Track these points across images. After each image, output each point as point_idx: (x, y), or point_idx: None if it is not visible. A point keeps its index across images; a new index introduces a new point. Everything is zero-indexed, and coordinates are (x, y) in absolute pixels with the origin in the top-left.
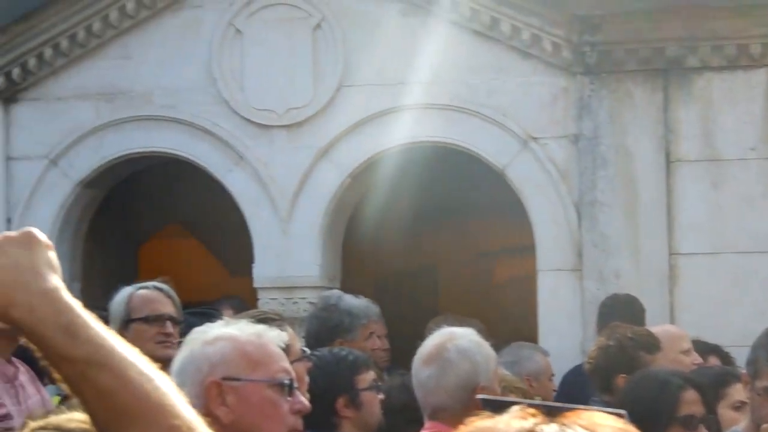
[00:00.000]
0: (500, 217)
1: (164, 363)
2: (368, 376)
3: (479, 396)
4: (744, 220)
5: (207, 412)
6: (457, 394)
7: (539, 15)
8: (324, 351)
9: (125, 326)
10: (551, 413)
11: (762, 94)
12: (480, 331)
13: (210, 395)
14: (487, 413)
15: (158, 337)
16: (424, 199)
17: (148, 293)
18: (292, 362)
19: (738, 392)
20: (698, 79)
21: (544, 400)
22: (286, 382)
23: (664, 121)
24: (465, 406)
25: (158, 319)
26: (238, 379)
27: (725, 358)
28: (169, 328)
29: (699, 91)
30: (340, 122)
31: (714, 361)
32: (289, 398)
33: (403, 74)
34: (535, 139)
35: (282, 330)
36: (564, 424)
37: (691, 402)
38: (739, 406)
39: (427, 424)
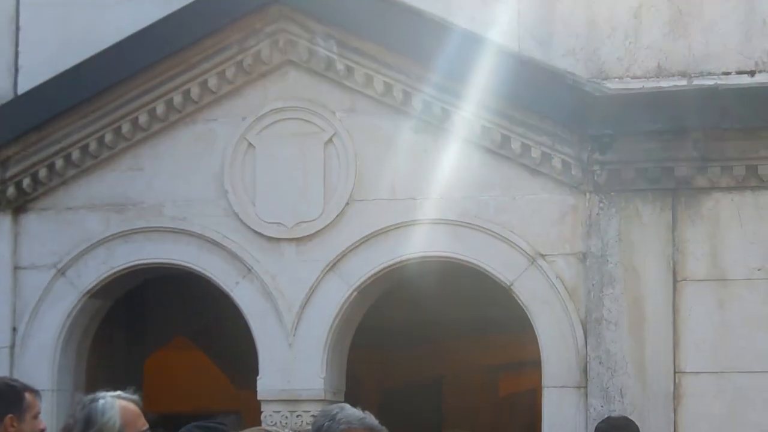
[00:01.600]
0: (506, 332)
1: None
2: None
3: None
4: (750, 340)
5: None
6: None
7: (550, 133)
8: None
9: None
10: None
11: None
12: None
13: None
14: None
15: None
16: (430, 313)
17: (134, 408)
18: None
19: None
20: (707, 199)
21: None
22: None
23: (672, 241)
24: None
25: None
26: None
27: None
28: None
29: (707, 211)
30: (349, 236)
31: None
32: None
33: (413, 190)
34: (543, 256)
35: None
36: None
37: None
38: None
39: None
